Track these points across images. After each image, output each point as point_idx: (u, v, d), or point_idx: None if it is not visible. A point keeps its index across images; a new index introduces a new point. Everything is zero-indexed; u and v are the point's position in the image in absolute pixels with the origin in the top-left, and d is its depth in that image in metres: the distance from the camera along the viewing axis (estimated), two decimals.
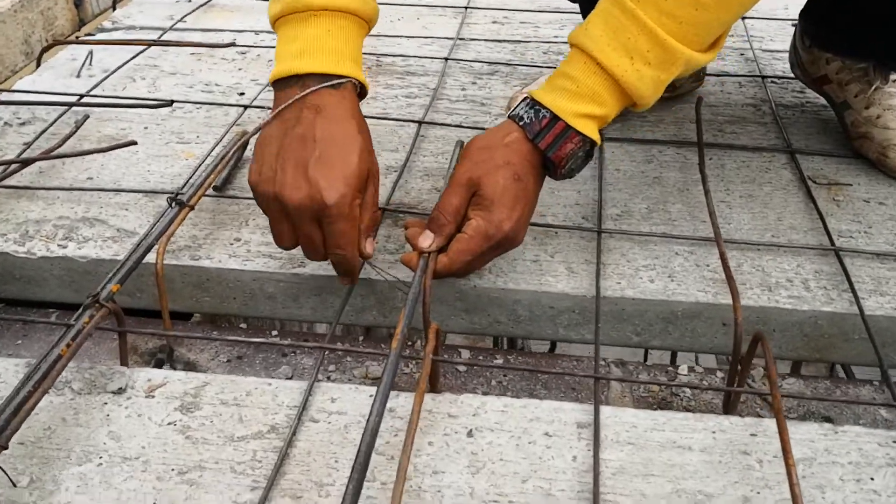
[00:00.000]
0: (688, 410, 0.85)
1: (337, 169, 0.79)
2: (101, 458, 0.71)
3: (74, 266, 0.95)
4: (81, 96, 1.26)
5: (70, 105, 1.23)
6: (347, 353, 0.90)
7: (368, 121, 0.88)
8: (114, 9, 1.72)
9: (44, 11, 1.60)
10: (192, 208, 0.94)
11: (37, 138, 1.16)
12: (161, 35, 1.54)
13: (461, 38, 1.54)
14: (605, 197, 1.07)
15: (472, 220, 0.83)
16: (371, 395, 0.77)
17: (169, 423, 0.74)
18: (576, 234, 1.00)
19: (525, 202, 0.85)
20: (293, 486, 0.68)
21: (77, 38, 1.45)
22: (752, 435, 0.73)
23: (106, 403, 0.76)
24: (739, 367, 0.80)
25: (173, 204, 0.94)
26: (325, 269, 0.93)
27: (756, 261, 0.95)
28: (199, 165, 1.12)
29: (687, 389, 0.88)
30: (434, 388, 0.83)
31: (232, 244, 0.97)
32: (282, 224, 0.82)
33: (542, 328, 0.93)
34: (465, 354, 0.93)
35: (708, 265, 0.94)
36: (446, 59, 1.44)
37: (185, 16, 1.64)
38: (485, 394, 0.86)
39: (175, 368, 0.89)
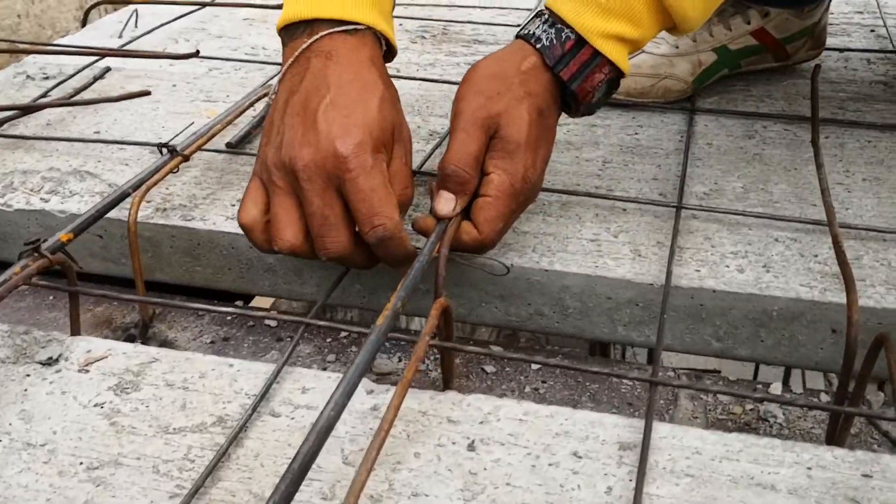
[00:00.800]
0: (781, 438, 0.63)
1: (354, 115, 0.63)
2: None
3: (52, 222, 0.82)
4: (107, 51, 1.14)
5: (95, 54, 1.11)
6: (329, 330, 0.73)
7: (422, 84, 0.71)
8: None
9: None
10: (186, 158, 0.79)
11: (50, 90, 1.05)
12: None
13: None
14: (692, 173, 0.87)
15: (491, 176, 0.65)
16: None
17: (95, 405, 0.59)
18: (649, 211, 0.80)
19: (548, 143, 0.68)
20: (224, 498, 0.52)
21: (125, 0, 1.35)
22: (865, 476, 0.52)
23: (28, 376, 0.61)
24: (852, 384, 0.58)
25: (163, 151, 0.79)
26: None
27: (881, 253, 0.73)
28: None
29: (779, 414, 0.67)
30: (448, 386, 0.65)
31: (233, 206, 0.82)
32: (283, 198, 0.63)
33: (595, 325, 0.74)
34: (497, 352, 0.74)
35: (816, 255, 0.73)
36: None
37: None
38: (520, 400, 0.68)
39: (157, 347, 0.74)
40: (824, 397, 0.70)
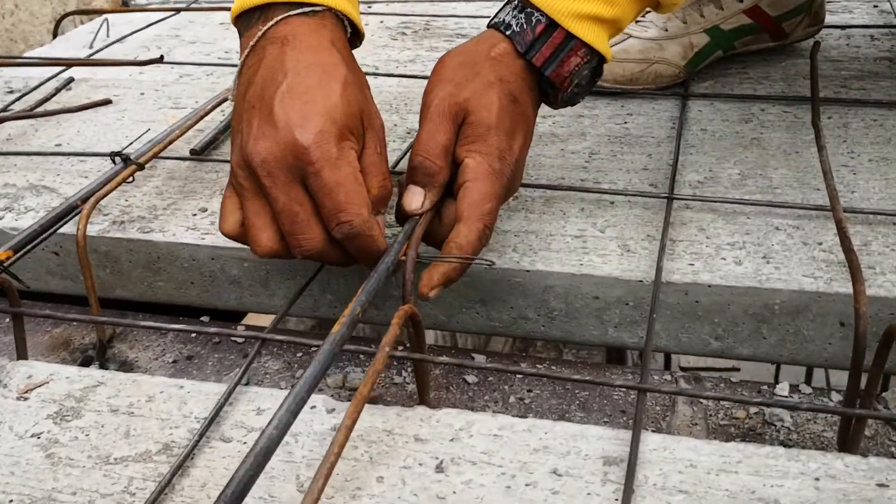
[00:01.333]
0: (785, 446, 0.58)
1: (314, 101, 0.57)
2: None
3: (4, 240, 0.77)
4: (71, 61, 1.10)
5: (59, 65, 1.07)
6: (299, 345, 0.68)
7: (403, 80, 0.66)
8: None
9: None
10: (141, 167, 0.75)
11: (12, 103, 1.01)
12: (191, 3, 1.38)
13: None
14: (685, 161, 0.81)
15: (466, 161, 0.60)
16: (313, 407, 0.55)
17: (32, 436, 0.54)
18: (638, 203, 0.74)
19: (525, 130, 0.62)
20: None
21: (98, 9, 1.31)
22: (880, 485, 0.46)
23: None
24: (864, 381, 0.53)
25: (116, 160, 0.74)
26: None
27: (891, 238, 0.67)
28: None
29: (786, 417, 0.61)
30: (424, 400, 0.59)
31: (195, 215, 0.77)
32: (252, 201, 0.58)
33: (583, 327, 0.68)
34: (480, 360, 0.69)
35: (820, 243, 0.67)
36: None
37: None
38: (495, 414, 0.62)
39: (106, 368, 0.69)
40: (836, 396, 0.64)
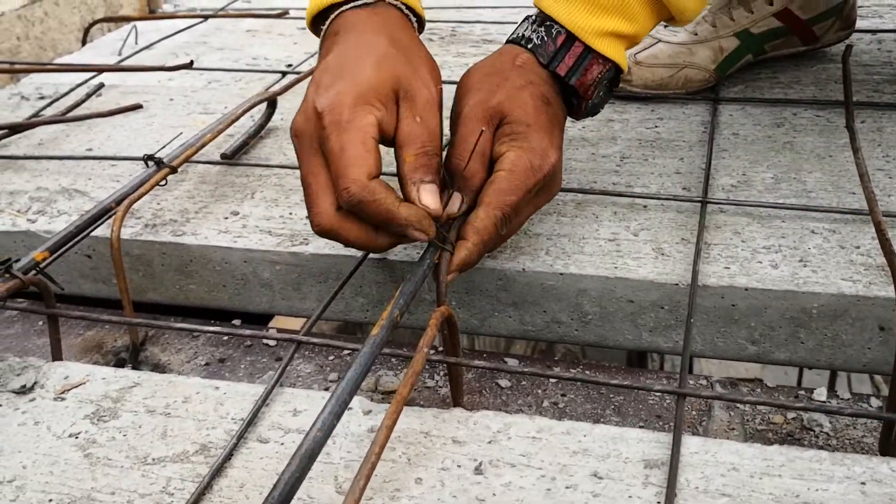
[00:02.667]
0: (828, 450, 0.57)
1: (343, 75, 0.57)
2: None
3: (39, 243, 0.77)
4: (101, 67, 1.11)
5: (90, 71, 1.08)
6: (332, 348, 0.68)
7: None
8: None
9: None
10: (173, 170, 0.75)
11: (43, 109, 1.01)
12: (218, 10, 1.38)
13: None
14: (717, 164, 0.80)
15: (506, 154, 0.60)
16: (350, 409, 0.54)
17: (70, 436, 0.54)
18: (672, 207, 0.74)
19: (560, 130, 0.63)
20: None
21: (126, 17, 1.32)
22: None
23: (0, 406, 0.57)
24: None
25: (149, 164, 0.75)
26: (331, 246, 0.72)
27: None
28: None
29: (825, 423, 0.60)
30: (458, 403, 0.59)
31: (226, 218, 0.77)
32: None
33: (617, 331, 0.68)
34: (512, 364, 0.68)
35: (857, 247, 0.67)
36: None
37: None
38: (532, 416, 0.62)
39: (140, 370, 0.69)
40: (875, 402, 0.63)
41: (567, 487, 0.48)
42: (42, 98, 1.08)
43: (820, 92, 0.94)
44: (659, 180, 0.79)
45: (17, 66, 1.17)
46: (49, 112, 1.01)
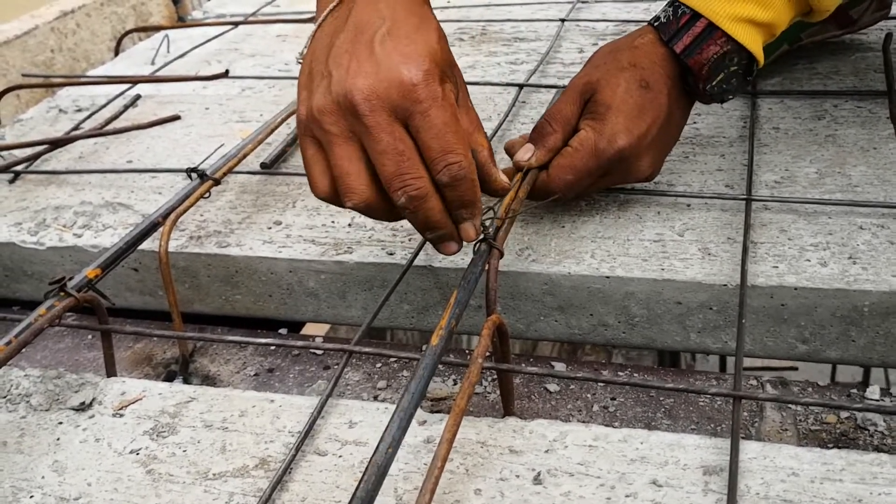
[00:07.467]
0: (880, 451, 0.57)
1: (417, 44, 0.54)
2: (31, 497, 0.52)
3: (86, 258, 0.79)
4: (136, 78, 1.12)
5: (127, 82, 1.09)
6: (378, 356, 0.68)
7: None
8: None
9: (136, 6, 1.50)
10: (216, 182, 0.76)
11: (82, 122, 1.03)
12: (248, 16, 1.39)
13: (583, 0, 1.30)
14: (759, 160, 0.80)
15: (580, 131, 0.66)
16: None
17: (131, 452, 0.55)
18: (716, 205, 0.74)
19: (654, 117, 0.66)
20: None
21: (157, 26, 1.33)
22: None
23: (60, 423, 0.58)
24: None
25: (192, 176, 0.75)
26: (375, 255, 0.72)
27: None
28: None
29: (880, 421, 0.60)
30: (509, 410, 0.59)
31: (270, 228, 0.78)
32: (343, 147, 0.54)
33: (665, 333, 0.68)
34: (560, 368, 0.68)
35: None
36: (563, 20, 1.20)
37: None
38: (579, 422, 0.62)
39: (189, 382, 0.70)
40: None
41: (627, 496, 0.48)
42: (80, 111, 1.10)
43: (860, 82, 0.93)
44: (701, 178, 0.78)
45: (54, 81, 1.18)
46: (88, 125, 1.02)
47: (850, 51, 1.01)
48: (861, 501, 0.46)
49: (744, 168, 0.79)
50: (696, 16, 0.67)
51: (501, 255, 0.60)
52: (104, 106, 1.07)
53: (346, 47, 0.55)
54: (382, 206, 0.55)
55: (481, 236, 0.59)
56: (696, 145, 0.84)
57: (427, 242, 0.68)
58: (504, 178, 0.59)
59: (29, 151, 0.93)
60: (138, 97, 1.06)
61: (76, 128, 1.02)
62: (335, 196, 0.56)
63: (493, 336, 0.54)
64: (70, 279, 0.62)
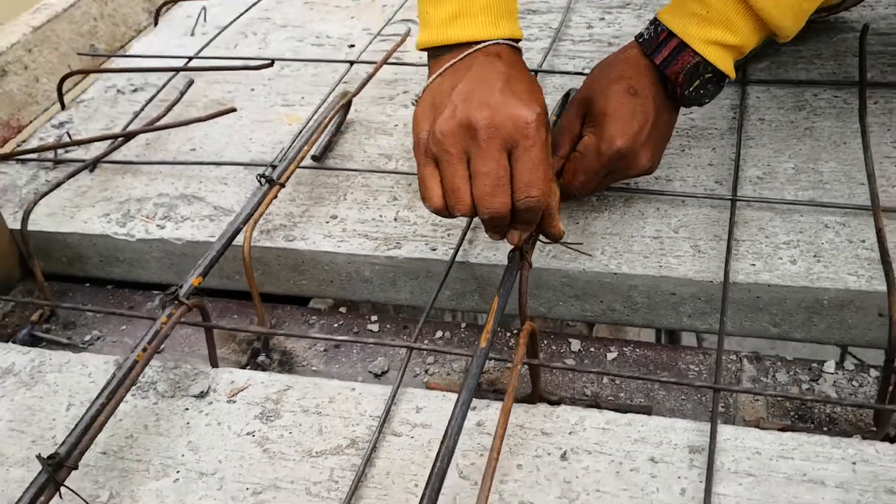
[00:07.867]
0: (832, 421, 0.73)
1: (530, 94, 0.69)
2: (178, 472, 0.68)
3: (171, 248, 0.93)
4: (189, 60, 1.23)
5: (176, 70, 1.20)
6: (434, 352, 0.83)
7: None
8: None
9: None
10: (282, 186, 0.89)
11: (144, 107, 1.14)
12: None
13: None
14: (745, 154, 0.93)
15: (584, 138, 0.79)
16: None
17: (247, 434, 0.71)
18: (706, 203, 0.87)
19: (644, 119, 0.78)
20: None
21: None
22: None
23: (187, 409, 0.73)
24: (894, 379, 0.67)
25: (263, 182, 0.89)
26: (420, 251, 0.86)
27: None
28: (300, 132, 1.06)
29: (833, 393, 0.76)
30: (540, 396, 0.75)
31: (328, 222, 0.92)
32: (457, 166, 0.67)
33: (662, 316, 0.83)
34: (576, 346, 0.84)
35: (863, 241, 0.80)
36: None
37: None
38: (592, 397, 0.78)
39: (271, 358, 0.85)
40: (875, 372, 0.78)
41: (631, 470, 0.64)
42: (136, 90, 1.21)
43: (839, 68, 1.05)
44: (694, 173, 0.91)
45: (110, 67, 1.29)
46: (149, 110, 1.14)
47: (834, 31, 1.12)
48: (805, 475, 0.62)
49: (732, 162, 0.92)
50: (670, 34, 0.78)
51: (531, 266, 0.74)
52: (161, 88, 1.18)
53: (469, 88, 0.69)
54: (473, 215, 0.70)
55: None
56: (692, 137, 0.97)
57: (465, 240, 0.85)
58: (561, 227, 0.74)
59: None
60: (192, 82, 1.17)
61: (139, 111, 1.13)
62: (445, 209, 0.70)
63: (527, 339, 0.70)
64: (180, 288, 0.76)
